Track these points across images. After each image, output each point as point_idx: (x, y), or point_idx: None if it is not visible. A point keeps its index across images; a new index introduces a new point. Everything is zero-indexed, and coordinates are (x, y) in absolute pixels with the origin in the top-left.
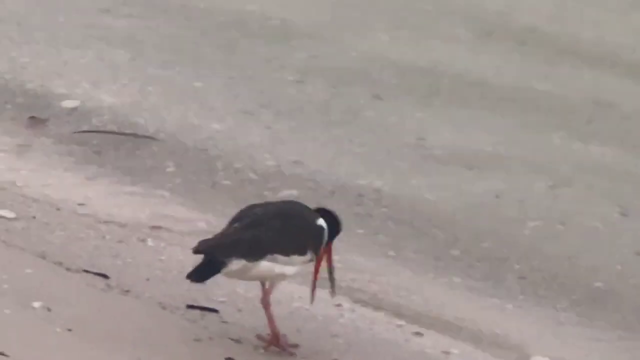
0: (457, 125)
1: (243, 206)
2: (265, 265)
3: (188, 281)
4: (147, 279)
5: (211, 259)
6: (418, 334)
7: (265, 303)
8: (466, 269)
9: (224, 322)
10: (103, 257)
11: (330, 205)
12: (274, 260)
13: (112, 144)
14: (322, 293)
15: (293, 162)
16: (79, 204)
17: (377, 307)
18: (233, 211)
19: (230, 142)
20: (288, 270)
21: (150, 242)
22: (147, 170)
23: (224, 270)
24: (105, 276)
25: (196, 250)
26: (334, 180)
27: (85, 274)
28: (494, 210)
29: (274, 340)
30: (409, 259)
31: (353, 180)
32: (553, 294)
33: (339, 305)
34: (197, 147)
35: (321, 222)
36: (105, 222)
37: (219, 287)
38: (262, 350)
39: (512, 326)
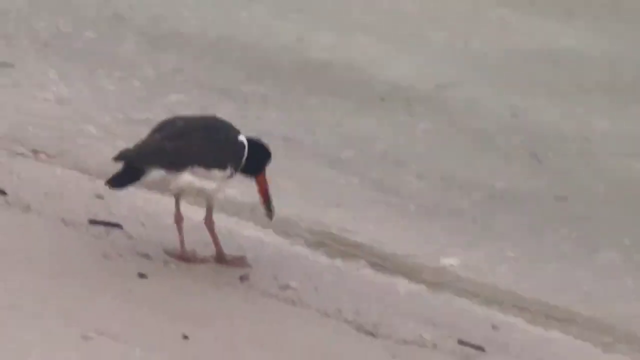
0: None
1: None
2: (185, 178)
3: (86, 196)
4: (45, 193)
5: (131, 167)
6: None
7: (210, 223)
8: None
9: (129, 237)
10: None
11: None
12: (195, 174)
13: None
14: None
15: None
16: None
17: None
18: None
19: None
20: (208, 185)
21: (43, 156)
22: None
23: (144, 178)
24: (2, 192)
25: (116, 158)
26: None
27: None
28: None
29: (221, 259)
30: None
31: None
32: None
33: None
34: None
35: (242, 138)
36: None
37: (119, 202)
38: (173, 266)
39: None
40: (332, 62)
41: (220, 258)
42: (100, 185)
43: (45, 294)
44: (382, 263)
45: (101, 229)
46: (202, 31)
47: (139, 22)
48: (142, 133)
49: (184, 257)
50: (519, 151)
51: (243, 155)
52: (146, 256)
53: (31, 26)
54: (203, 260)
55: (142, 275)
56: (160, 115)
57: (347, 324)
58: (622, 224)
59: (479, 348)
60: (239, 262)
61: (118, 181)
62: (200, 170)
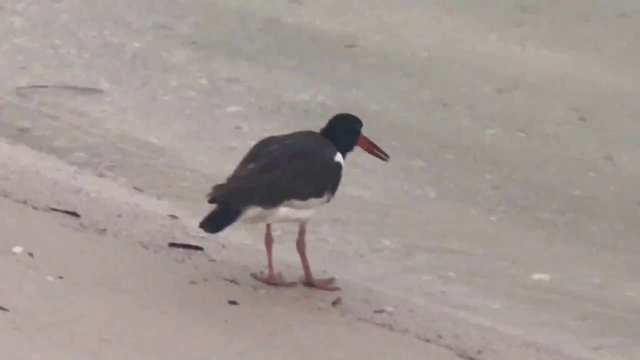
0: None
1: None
2: (282, 212)
3: (161, 216)
4: (119, 215)
5: (226, 208)
6: None
7: (301, 246)
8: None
9: (211, 260)
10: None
11: None
12: (291, 206)
13: None
14: None
15: None
16: None
17: None
18: None
19: None
20: (304, 214)
21: (107, 174)
22: None
23: (240, 219)
24: (75, 214)
25: (211, 200)
26: None
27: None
28: None
29: (310, 282)
30: None
31: None
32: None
33: None
34: None
35: (339, 158)
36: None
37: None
38: (262, 291)
39: None
40: None
41: (309, 281)
42: (173, 204)
43: (141, 324)
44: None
45: (181, 251)
46: (250, 40)
47: (185, 31)
48: (207, 147)
49: (273, 280)
50: None
51: (340, 177)
52: (233, 281)
53: (78, 37)
54: (291, 284)
55: (232, 303)
56: (222, 126)
57: (448, 350)
58: None
59: None
60: (328, 284)
61: (214, 225)
62: (297, 202)
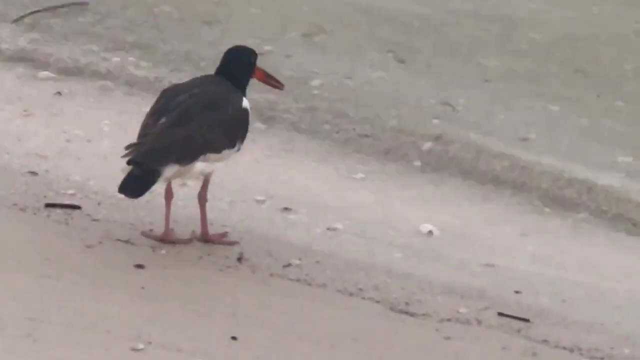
0: None
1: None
2: (198, 167)
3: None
4: None
5: (145, 169)
6: None
7: (203, 198)
8: None
9: (95, 220)
10: None
11: None
12: (206, 160)
13: None
14: None
15: None
16: None
17: None
18: None
19: None
20: (219, 166)
21: None
22: None
23: (160, 180)
24: None
25: (129, 161)
26: None
27: None
28: None
29: (207, 238)
30: None
31: None
32: None
33: None
34: None
35: (246, 104)
36: None
37: (58, 179)
38: (163, 252)
39: None
40: None
41: (206, 237)
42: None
43: (61, 299)
44: None
45: (60, 212)
46: None
47: None
48: None
49: (169, 237)
50: None
51: (248, 124)
52: (128, 242)
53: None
54: (187, 241)
55: (139, 266)
56: None
57: (375, 303)
58: None
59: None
60: (224, 238)
61: (136, 188)
62: (213, 155)
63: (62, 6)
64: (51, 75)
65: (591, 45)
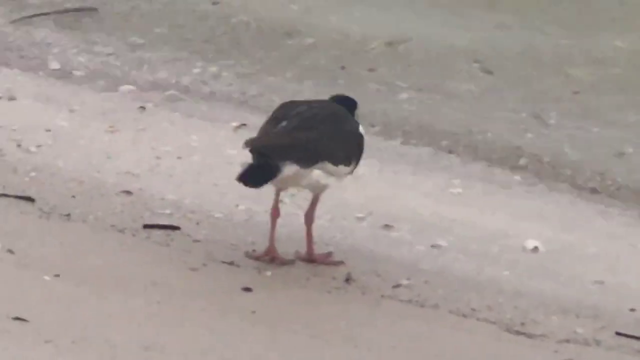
0: None
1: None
2: (314, 174)
3: (119, 195)
4: (73, 197)
5: (266, 162)
6: None
7: (309, 218)
8: None
9: (196, 241)
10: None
11: None
12: (323, 169)
13: None
14: None
15: None
16: None
17: None
18: None
19: None
20: (332, 181)
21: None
22: None
23: (280, 175)
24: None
25: (253, 149)
26: None
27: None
28: None
29: (312, 258)
30: None
31: None
32: None
33: None
34: None
35: (362, 129)
36: None
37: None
38: (268, 273)
39: None
40: None
41: (311, 257)
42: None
43: (168, 325)
44: None
45: (159, 233)
46: None
47: None
48: None
49: (272, 255)
50: None
51: (363, 148)
52: (233, 264)
53: None
54: (290, 261)
55: (247, 289)
56: None
57: (490, 324)
58: None
59: None
60: (329, 258)
61: (254, 179)
62: (329, 166)
63: (67, 11)
64: (132, 89)
65: None
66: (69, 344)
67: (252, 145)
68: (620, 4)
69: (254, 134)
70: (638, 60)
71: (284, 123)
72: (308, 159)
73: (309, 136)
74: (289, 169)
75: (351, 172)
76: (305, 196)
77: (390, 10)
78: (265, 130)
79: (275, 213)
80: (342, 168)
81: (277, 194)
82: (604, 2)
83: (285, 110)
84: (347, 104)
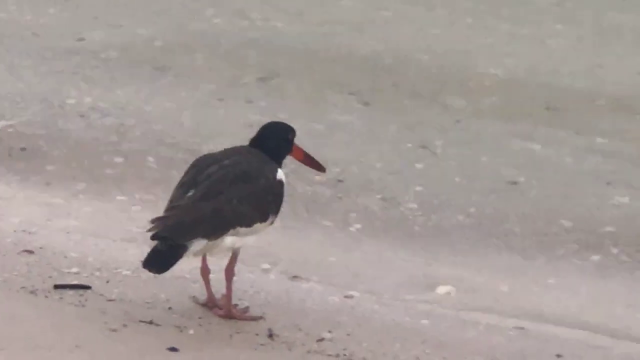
0: None
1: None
2: (227, 241)
3: (22, 254)
4: None
5: (171, 245)
6: None
7: (229, 273)
8: None
9: (110, 300)
10: None
11: None
12: (237, 234)
13: None
14: None
15: None
16: None
17: None
18: None
19: None
20: (250, 240)
21: None
22: None
23: (187, 255)
24: None
25: (154, 236)
26: None
27: None
28: None
29: (228, 313)
30: None
31: None
32: None
33: None
34: None
35: (280, 175)
36: None
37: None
38: (191, 331)
39: None
40: None
41: (230, 313)
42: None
43: None
44: None
45: (70, 293)
46: None
47: None
48: None
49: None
50: None
51: (282, 196)
52: (152, 323)
53: None
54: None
55: (172, 349)
56: None
57: None
58: None
59: None
60: (247, 314)
61: (159, 264)
62: (243, 229)
63: None
64: None
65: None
66: None
67: (154, 231)
68: None
69: None
70: None
71: (190, 192)
72: (216, 230)
73: (216, 206)
74: (197, 245)
75: (272, 223)
76: None
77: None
78: (172, 200)
79: (204, 272)
80: (258, 226)
81: (203, 256)
82: None
83: (196, 172)
84: (273, 137)
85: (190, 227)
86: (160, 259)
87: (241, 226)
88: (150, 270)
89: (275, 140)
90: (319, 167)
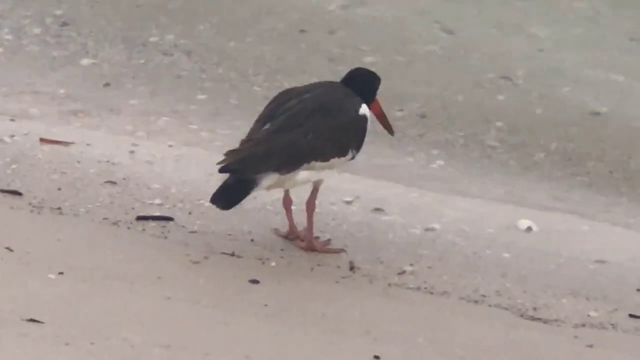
0: None
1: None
2: (301, 176)
3: (105, 185)
4: (59, 189)
5: (240, 178)
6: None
7: (311, 206)
8: None
9: (192, 232)
10: None
11: None
12: (312, 168)
13: None
14: None
15: None
16: None
17: None
18: None
19: None
20: (326, 175)
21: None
22: None
23: (256, 190)
24: (17, 193)
25: (223, 169)
26: None
27: None
28: None
29: (310, 245)
30: None
31: None
32: None
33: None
34: None
35: (364, 110)
36: None
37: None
38: (273, 263)
39: None
40: None
41: (310, 245)
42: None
43: (177, 320)
44: None
45: (153, 224)
46: None
47: None
48: None
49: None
50: None
51: (365, 131)
52: (234, 255)
53: None
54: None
55: (254, 282)
56: None
57: (503, 310)
58: None
59: None
60: (328, 246)
61: (228, 199)
62: (318, 164)
63: None
64: None
65: None
66: (89, 345)
67: (223, 164)
68: None
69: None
70: None
71: (267, 125)
72: (288, 164)
73: (290, 139)
74: (269, 179)
75: (352, 158)
76: None
77: None
78: (249, 134)
79: (287, 203)
80: (336, 160)
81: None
82: None
83: (276, 106)
84: (360, 81)
85: (262, 160)
86: (228, 194)
87: (317, 160)
88: (217, 206)
89: (362, 84)
90: (390, 128)
